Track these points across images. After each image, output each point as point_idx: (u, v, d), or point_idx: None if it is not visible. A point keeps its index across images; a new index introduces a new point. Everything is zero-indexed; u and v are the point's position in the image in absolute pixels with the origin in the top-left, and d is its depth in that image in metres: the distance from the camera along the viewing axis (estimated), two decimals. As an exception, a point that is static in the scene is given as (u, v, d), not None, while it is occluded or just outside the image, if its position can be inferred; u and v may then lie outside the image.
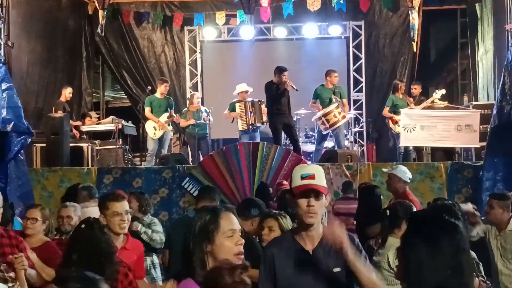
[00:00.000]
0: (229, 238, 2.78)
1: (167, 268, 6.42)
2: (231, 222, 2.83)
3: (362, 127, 14.75)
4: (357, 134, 14.33)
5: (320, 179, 3.38)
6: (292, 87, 11.21)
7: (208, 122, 12.39)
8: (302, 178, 3.36)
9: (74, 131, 12.84)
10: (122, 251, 4.45)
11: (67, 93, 12.97)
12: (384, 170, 7.81)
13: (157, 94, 12.47)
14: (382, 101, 14.08)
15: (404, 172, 7.36)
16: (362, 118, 14.95)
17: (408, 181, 7.38)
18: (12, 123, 8.91)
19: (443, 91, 12.01)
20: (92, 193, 6.50)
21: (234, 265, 3.22)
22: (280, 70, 11.27)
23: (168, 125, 12.48)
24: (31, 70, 13.08)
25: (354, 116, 14.49)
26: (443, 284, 2.31)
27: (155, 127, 12.22)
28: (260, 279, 3.43)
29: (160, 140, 12.34)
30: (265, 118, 12.08)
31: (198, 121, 12.35)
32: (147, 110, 12.26)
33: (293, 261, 3.39)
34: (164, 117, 12.33)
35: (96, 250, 3.74)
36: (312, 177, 3.35)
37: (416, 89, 12.75)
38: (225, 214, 2.84)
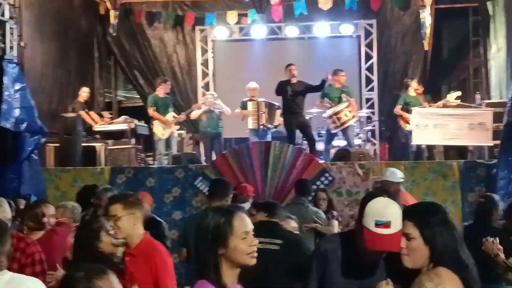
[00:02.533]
0: (243, 240, 2.67)
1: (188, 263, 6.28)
2: (244, 224, 2.70)
3: (374, 125, 14.71)
4: (369, 133, 14.29)
5: (396, 224, 2.87)
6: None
7: (221, 110, 12.23)
8: (377, 225, 2.89)
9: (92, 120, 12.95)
10: (125, 256, 4.05)
11: (83, 93, 12.96)
12: (373, 177, 7.71)
13: (160, 93, 12.35)
14: (394, 100, 14.04)
15: (394, 174, 7.31)
16: (374, 116, 14.92)
17: (401, 181, 7.36)
18: (26, 123, 8.96)
19: (458, 93, 11.75)
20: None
21: None
22: (286, 66, 11.42)
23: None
24: (44, 70, 13.11)
25: (366, 114, 14.47)
26: None
27: (163, 127, 12.16)
28: (311, 271, 3.29)
29: (168, 140, 12.29)
30: (277, 122, 12.03)
31: (211, 109, 12.11)
32: (151, 109, 12.11)
33: (345, 265, 3.13)
34: (170, 116, 12.31)
35: (80, 250, 3.87)
36: (387, 225, 2.87)
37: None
38: (238, 215, 2.72)
